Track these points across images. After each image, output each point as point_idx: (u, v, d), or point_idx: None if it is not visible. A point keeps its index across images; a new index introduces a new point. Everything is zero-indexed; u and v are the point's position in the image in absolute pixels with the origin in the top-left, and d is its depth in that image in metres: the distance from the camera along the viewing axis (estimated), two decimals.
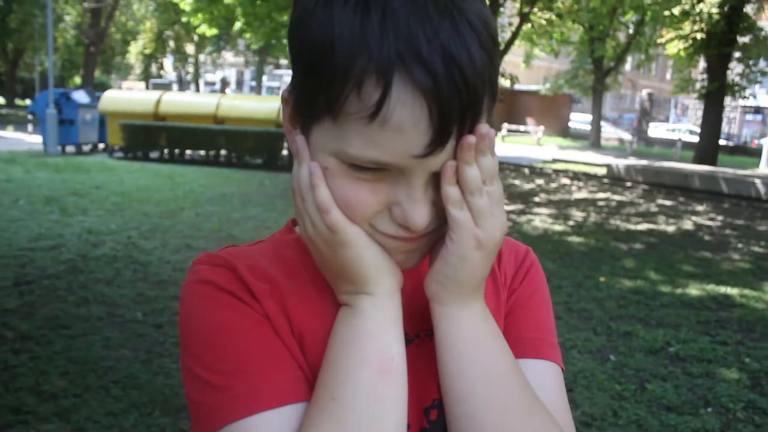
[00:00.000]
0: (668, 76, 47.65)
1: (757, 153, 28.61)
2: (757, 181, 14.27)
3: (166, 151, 15.26)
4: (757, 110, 42.86)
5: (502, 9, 13.02)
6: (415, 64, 0.56)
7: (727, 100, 25.46)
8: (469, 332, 0.68)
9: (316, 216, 0.65)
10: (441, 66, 0.56)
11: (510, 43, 12.11)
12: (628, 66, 41.28)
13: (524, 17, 12.07)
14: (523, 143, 28.86)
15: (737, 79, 24.70)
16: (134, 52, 46.01)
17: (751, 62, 24.93)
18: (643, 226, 9.83)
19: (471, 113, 0.59)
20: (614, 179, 16.33)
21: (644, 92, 36.96)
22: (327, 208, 0.64)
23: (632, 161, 19.12)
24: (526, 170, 17.87)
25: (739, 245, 8.86)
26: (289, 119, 0.68)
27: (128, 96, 17.62)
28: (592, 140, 30.91)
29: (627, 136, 33.89)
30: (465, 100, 0.58)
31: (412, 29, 0.56)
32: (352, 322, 0.66)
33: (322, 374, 0.66)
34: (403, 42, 0.56)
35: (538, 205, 11.54)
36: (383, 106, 0.57)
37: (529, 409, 0.67)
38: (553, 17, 16.55)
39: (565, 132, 37.05)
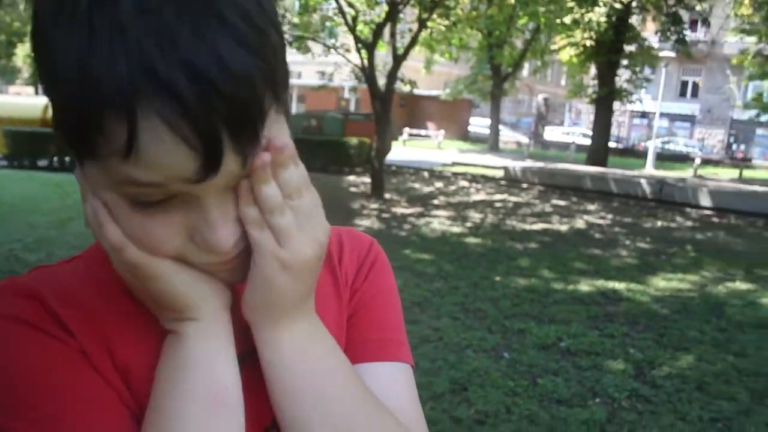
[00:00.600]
0: (563, 81, 49.48)
1: (643, 155, 30.14)
2: (643, 181, 15.04)
3: (56, 159, 14.58)
4: (644, 114, 45.15)
5: (401, 15, 13.17)
6: (155, 88, 0.47)
7: (617, 104, 26.66)
8: (292, 356, 0.62)
9: (113, 254, 0.57)
10: (185, 84, 0.47)
11: (409, 48, 12.26)
12: (525, 72, 42.53)
13: (422, 23, 12.26)
14: (424, 147, 29.27)
15: (625, 85, 25.96)
16: (21, 54, 43.77)
17: (637, 69, 26.26)
18: (538, 226, 10.15)
19: (244, 124, 0.51)
20: (511, 181, 16.80)
21: (540, 97, 38.21)
22: (120, 246, 0.56)
23: (529, 163, 19.74)
24: (426, 173, 18.13)
25: (627, 242, 9.29)
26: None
27: (14, 101, 16.76)
28: (491, 144, 31.68)
29: (524, 140, 34.94)
30: (227, 113, 0.49)
31: (145, 45, 0.46)
32: (179, 351, 0.60)
33: (149, 413, 0.58)
34: (136, 63, 0.46)
35: (437, 207, 11.72)
36: (133, 145, 0.48)
37: (369, 423, 0.63)
38: (451, 23, 16.90)
39: (465, 136, 37.82)
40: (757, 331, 5.34)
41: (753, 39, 25.89)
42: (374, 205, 11.21)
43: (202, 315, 0.60)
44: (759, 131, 44.02)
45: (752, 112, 31.36)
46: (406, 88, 14.50)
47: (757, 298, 6.49)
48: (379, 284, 0.79)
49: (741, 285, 7.03)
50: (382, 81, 12.25)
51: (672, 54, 27.40)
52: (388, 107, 12.28)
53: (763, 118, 31.14)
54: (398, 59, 12.24)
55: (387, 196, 12.40)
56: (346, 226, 0.81)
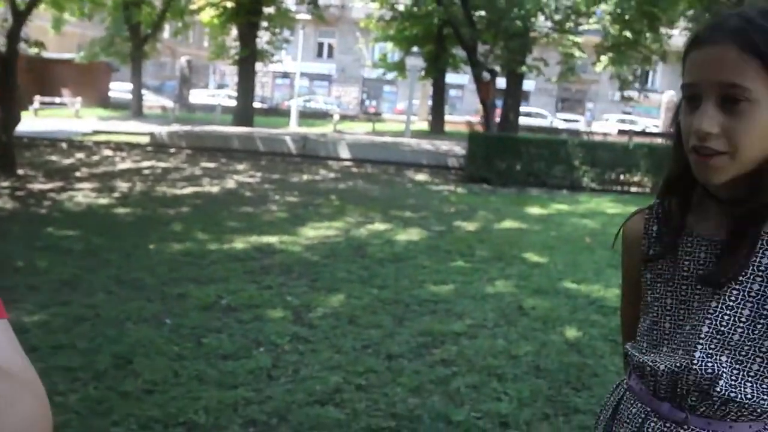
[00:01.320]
0: (206, 43, 49.01)
1: (287, 114, 31.45)
2: (288, 139, 15.79)
3: None
4: (285, 75, 46.92)
5: None
6: None
7: (259, 65, 27.29)
8: None
9: None
10: None
11: (32, 5, 11.06)
12: (166, 33, 41.19)
13: None
14: (59, 116, 26.86)
15: (266, 46, 26.66)
16: None
17: (276, 31, 27.11)
18: (189, 190, 10.07)
19: None
20: (158, 146, 16.35)
21: (183, 59, 37.39)
22: None
23: (175, 128, 19.30)
24: (64, 144, 16.71)
25: (277, 197, 9.69)
26: None
27: None
28: (135, 109, 30.24)
29: (169, 104, 34.01)
30: None
31: None
32: None
33: None
34: None
35: (80, 180, 10.93)
36: None
37: None
38: None
39: (105, 102, 35.48)
40: (394, 264, 6.02)
41: (376, 4, 28.38)
42: (5, 183, 10.04)
43: None
44: (386, 88, 48.62)
45: (380, 71, 34.54)
46: (33, 51, 13.13)
47: (393, 236, 7.29)
48: None
49: (379, 226, 7.83)
50: (1, 41, 10.91)
51: (308, 17, 28.82)
52: (13, 72, 10.99)
53: (389, 76, 34.49)
54: (19, 16, 10.99)
55: (20, 171, 11.18)
56: None
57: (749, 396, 1.02)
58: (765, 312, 1.01)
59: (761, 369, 1.03)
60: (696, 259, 1.08)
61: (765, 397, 1.02)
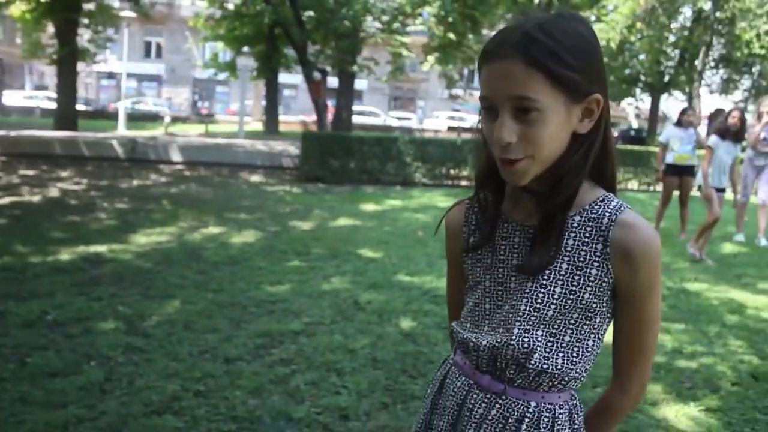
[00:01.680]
0: (18, 40, 45.51)
1: (114, 116, 29.97)
2: (115, 143, 15.09)
3: None
4: (111, 75, 44.68)
5: None
6: None
7: (82, 65, 25.80)
8: None
9: None
10: None
11: None
12: None
13: None
14: None
15: (87, 44, 25.23)
16: None
17: (98, 28, 25.73)
18: (6, 200, 9.36)
19: None
20: None
21: None
22: None
23: None
24: None
25: (105, 204, 9.26)
26: None
27: None
28: None
29: None
30: None
31: None
32: None
33: None
34: None
35: None
36: None
37: None
38: None
39: None
40: (230, 267, 5.99)
41: (205, 3, 27.72)
42: None
43: None
44: (219, 89, 47.67)
45: (211, 71, 33.78)
46: None
47: (228, 239, 7.23)
48: None
49: (213, 229, 7.73)
50: None
51: (132, 14, 27.60)
52: None
53: (221, 76, 33.83)
54: None
55: None
56: None
57: (560, 367, 1.17)
58: (573, 288, 1.16)
59: (571, 340, 1.18)
60: (511, 243, 1.21)
61: (572, 366, 1.18)
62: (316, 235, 7.77)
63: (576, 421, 1.23)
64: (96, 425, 3.08)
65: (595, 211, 1.16)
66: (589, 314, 1.17)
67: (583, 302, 1.16)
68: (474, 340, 1.23)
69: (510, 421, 1.20)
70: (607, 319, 1.21)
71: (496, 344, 1.19)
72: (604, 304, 1.18)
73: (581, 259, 1.16)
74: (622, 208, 1.16)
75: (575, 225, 1.16)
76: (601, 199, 1.18)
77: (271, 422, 3.17)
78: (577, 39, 1.09)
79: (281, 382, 3.64)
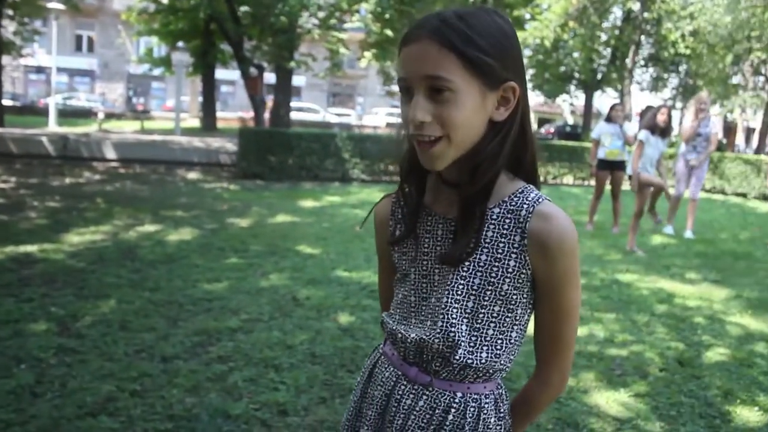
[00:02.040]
0: None
1: (44, 112, 29.03)
2: (45, 140, 14.62)
3: None
4: (40, 69, 43.25)
5: None
6: None
7: (7, 59, 24.91)
8: None
9: None
10: None
11: None
12: None
13: None
14: None
15: (12, 37, 24.36)
16: None
17: (24, 20, 24.86)
18: None
19: None
20: None
21: None
22: None
23: None
24: None
25: (35, 203, 8.98)
26: None
27: None
28: None
29: None
30: None
31: None
32: None
33: None
34: None
35: None
36: None
37: None
38: None
39: None
40: (166, 265, 5.89)
41: None
42: None
43: None
44: (154, 84, 46.72)
45: (146, 67, 33.07)
46: None
47: (164, 237, 7.12)
48: None
49: (149, 227, 7.60)
50: None
51: (61, 6, 26.78)
52: None
53: (156, 72, 33.16)
54: None
55: None
56: None
57: (484, 360, 1.20)
58: (492, 279, 1.17)
59: (495, 333, 1.20)
60: (434, 236, 1.23)
61: (496, 359, 1.21)
62: (255, 232, 7.72)
63: (501, 409, 1.27)
64: (26, 429, 3.00)
65: (513, 203, 1.18)
66: (511, 306, 1.20)
67: (503, 294, 1.18)
68: (402, 332, 1.26)
69: (437, 411, 1.23)
70: (528, 311, 1.24)
71: (423, 337, 1.21)
72: (524, 296, 1.20)
73: (500, 250, 1.17)
74: (540, 200, 1.17)
75: (494, 217, 1.18)
76: (520, 190, 1.19)
77: (209, 420, 3.15)
78: (493, 28, 1.12)
79: (219, 379, 3.61)
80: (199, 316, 4.63)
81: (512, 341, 1.23)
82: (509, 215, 1.18)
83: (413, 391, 1.25)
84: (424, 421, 1.23)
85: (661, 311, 5.40)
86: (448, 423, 1.22)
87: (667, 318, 5.22)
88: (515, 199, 1.18)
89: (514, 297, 1.19)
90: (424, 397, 1.24)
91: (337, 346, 4.17)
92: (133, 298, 4.93)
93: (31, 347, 3.94)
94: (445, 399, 1.22)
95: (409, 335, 1.24)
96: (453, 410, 1.22)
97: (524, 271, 1.17)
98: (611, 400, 3.62)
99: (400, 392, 1.27)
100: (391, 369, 1.30)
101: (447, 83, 1.08)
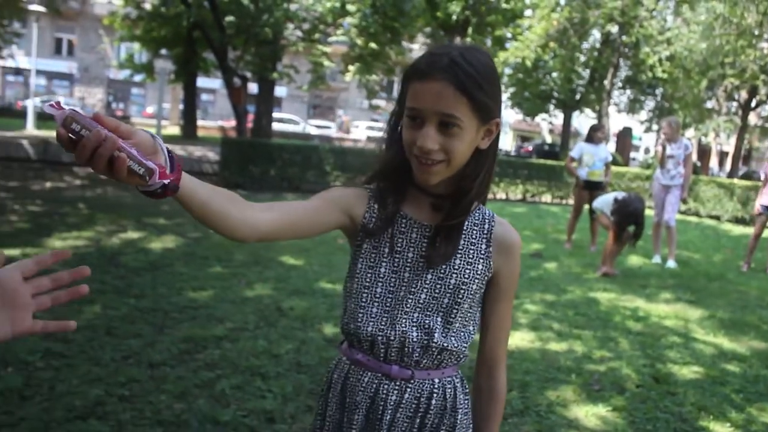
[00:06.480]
0: None
1: (22, 114, 28.73)
2: (25, 143, 14.52)
3: None
4: (18, 71, 42.86)
5: None
6: None
7: None
8: None
9: None
10: None
11: None
12: None
13: None
14: None
15: None
16: None
17: (4, 22, 24.68)
18: None
19: None
20: None
21: None
22: None
23: None
24: None
25: (16, 207, 8.94)
26: None
27: None
28: None
29: None
30: None
31: None
32: None
33: None
34: None
35: None
36: None
37: None
38: None
39: None
40: (151, 273, 5.92)
41: (121, 2, 27.00)
42: None
43: None
44: (134, 90, 46.46)
45: (127, 72, 32.90)
46: None
47: (147, 244, 7.13)
48: None
49: (132, 234, 7.61)
50: None
51: (42, 9, 26.63)
52: None
53: (137, 78, 33.00)
54: None
55: None
56: None
57: (456, 345, 1.40)
58: (465, 280, 1.39)
59: (459, 326, 1.41)
60: (409, 238, 1.40)
61: (465, 345, 1.42)
62: (240, 242, 7.73)
63: (466, 387, 1.50)
64: (16, 431, 3.03)
65: (476, 218, 1.43)
66: (474, 303, 1.43)
67: (472, 293, 1.40)
68: (382, 334, 1.38)
69: (422, 399, 1.40)
70: (480, 307, 1.47)
71: (404, 329, 1.37)
72: (481, 295, 1.45)
73: (470, 256, 1.40)
74: (493, 214, 1.45)
75: (465, 228, 1.41)
76: (478, 208, 1.44)
77: (198, 426, 3.20)
78: (489, 70, 1.30)
79: (206, 386, 3.66)
80: (184, 323, 4.67)
81: (471, 333, 1.45)
82: (475, 227, 1.42)
83: (397, 387, 1.40)
84: (411, 410, 1.40)
85: (638, 329, 5.53)
86: (432, 407, 1.41)
87: (644, 336, 5.35)
88: (477, 214, 1.43)
89: (478, 295, 1.43)
90: (408, 389, 1.40)
91: (322, 356, 4.24)
92: (119, 304, 4.95)
93: (18, 350, 3.95)
94: (427, 387, 1.40)
95: (392, 334, 1.37)
96: (435, 395, 1.41)
97: (488, 273, 1.42)
98: (590, 414, 3.73)
99: (385, 391, 1.40)
100: (369, 374, 1.42)
101: (457, 121, 1.26)
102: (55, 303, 0.81)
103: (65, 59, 45.29)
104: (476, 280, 1.39)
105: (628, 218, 7.26)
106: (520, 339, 4.96)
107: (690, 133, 30.46)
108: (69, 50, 45.70)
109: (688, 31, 24.55)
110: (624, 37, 27.64)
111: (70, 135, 0.82)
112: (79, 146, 0.82)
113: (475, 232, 1.41)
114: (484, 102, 1.27)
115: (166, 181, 0.88)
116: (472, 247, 1.40)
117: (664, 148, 8.65)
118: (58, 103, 0.85)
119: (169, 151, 0.98)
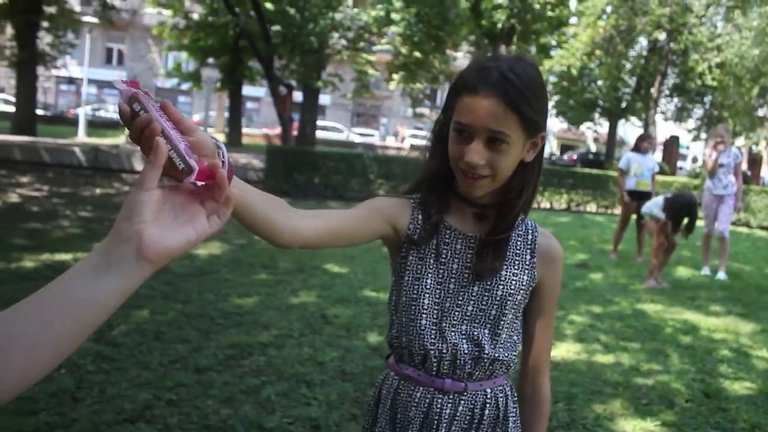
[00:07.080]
0: None
1: (74, 122, 29.51)
2: (77, 150, 14.89)
3: None
4: (71, 80, 44.00)
5: None
6: None
7: (41, 69, 25.38)
8: None
9: None
10: None
11: None
12: None
13: None
14: None
15: (48, 48, 24.82)
16: None
17: (59, 33, 25.32)
18: None
19: None
20: None
21: None
22: None
23: None
24: None
25: (68, 212, 9.17)
26: None
27: None
28: None
29: None
30: None
31: None
32: None
33: None
34: None
35: None
36: None
37: None
38: None
39: None
40: (197, 279, 6.01)
41: (170, 12, 27.55)
42: None
43: None
44: (182, 98, 47.26)
45: (174, 81, 33.52)
46: None
47: (194, 250, 7.22)
48: None
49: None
50: None
51: (95, 20, 27.29)
52: None
53: (184, 86, 33.59)
54: None
55: None
56: None
57: (506, 355, 1.40)
58: (511, 291, 1.38)
59: (507, 336, 1.41)
60: (453, 249, 1.39)
61: (514, 354, 1.42)
62: (283, 249, 7.80)
63: (515, 395, 1.50)
64: None
65: (521, 230, 1.43)
66: (518, 314, 1.43)
67: (517, 303, 1.40)
68: (433, 347, 1.37)
69: (476, 411, 1.39)
70: (522, 317, 1.47)
71: (454, 342, 1.36)
72: (524, 305, 1.44)
73: (516, 267, 1.40)
74: (536, 225, 1.46)
75: (510, 240, 1.41)
76: (521, 220, 1.43)
77: (244, 431, 3.23)
78: (539, 85, 1.29)
79: (252, 392, 3.70)
80: (230, 329, 4.73)
81: (516, 343, 1.45)
82: (519, 239, 1.42)
83: (450, 401, 1.39)
84: (466, 423, 1.39)
85: (687, 342, 5.42)
86: (485, 417, 1.40)
87: (693, 349, 5.23)
88: (521, 226, 1.43)
89: (522, 306, 1.43)
90: (462, 402, 1.38)
91: (366, 364, 4.24)
92: (166, 309, 5.04)
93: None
94: (480, 398, 1.40)
95: (444, 347, 1.37)
96: (488, 406, 1.41)
97: (532, 284, 1.42)
98: (638, 429, 3.66)
99: (439, 405, 1.39)
100: (421, 389, 1.40)
101: (506, 137, 1.25)
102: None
103: (115, 68, 46.34)
104: (521, 291, 1.39)
105: (682, 210, 7.21)
106: (566, 350, 4.90)
107: (740, 141, 29.75)
108: (119, 59, 46.80)
109: (739, 38, 24.01)
110: (672, 45, 27.18)
111: (131, 112, 0.86)
112: (134, 124, 0.85)
113: (519, 243, 1.41)
114: (534, 119, 1.26)
115: (200, 183, 0.90)
116: (518, 258, 1.40)
117: (717, 156, 8.46)
118: (130, 80, 0.88)
119: (229, 163, 1.00)
